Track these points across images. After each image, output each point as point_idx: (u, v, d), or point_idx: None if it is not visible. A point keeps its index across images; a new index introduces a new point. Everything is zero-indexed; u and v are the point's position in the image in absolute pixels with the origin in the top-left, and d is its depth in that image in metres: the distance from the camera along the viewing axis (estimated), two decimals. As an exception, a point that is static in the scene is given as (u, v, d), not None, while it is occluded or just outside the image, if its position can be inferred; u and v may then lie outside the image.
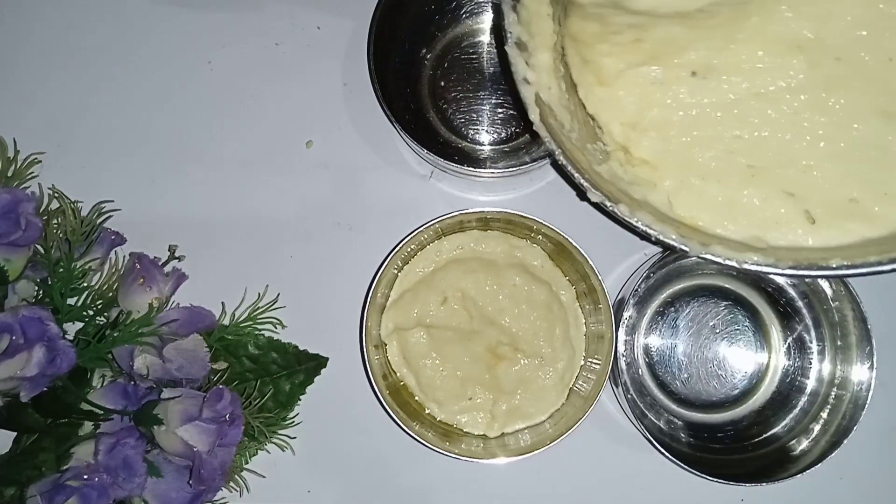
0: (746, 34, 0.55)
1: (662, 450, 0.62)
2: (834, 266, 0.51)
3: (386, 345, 0.67)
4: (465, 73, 0.72)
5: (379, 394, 0.61)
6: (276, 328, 0.68)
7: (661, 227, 0.52)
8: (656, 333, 0.69)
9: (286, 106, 0.72)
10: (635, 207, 0.53)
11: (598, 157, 0.56)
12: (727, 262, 0.52)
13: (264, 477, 0.65)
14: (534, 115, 0.54)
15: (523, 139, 0.71)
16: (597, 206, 0.53)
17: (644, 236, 0.53)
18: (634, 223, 0.52)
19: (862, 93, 0.54)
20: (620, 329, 0.63)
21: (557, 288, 0.67)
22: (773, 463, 0.65)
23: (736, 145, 0.56)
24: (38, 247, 0.62)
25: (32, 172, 0.67)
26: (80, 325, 0.63)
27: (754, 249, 0.53)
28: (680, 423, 0.68)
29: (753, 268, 0.52)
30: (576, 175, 0.53)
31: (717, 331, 0.69)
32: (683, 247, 0.52)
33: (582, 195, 0.54)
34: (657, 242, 0.53)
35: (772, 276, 0.69)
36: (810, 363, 0.68)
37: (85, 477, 0.55)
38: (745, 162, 0.56)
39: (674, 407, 0.69)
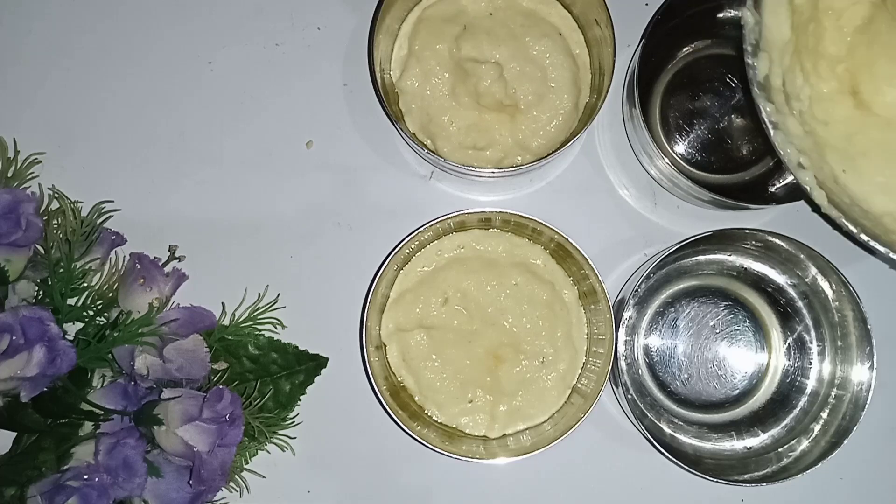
0: None
1: (663, 450, 0.62)
2: None
3: (386, 345, 0.67)
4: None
5: (379, 395, 0.61)
6: (276, 328, 0.68)
7: None
8: (656, 334, 0.69)
9: (286, 106, 0.72)
10: None
11: None
12: None
13: (264, 477, 0.65)
14: (821, 199, 0.51)
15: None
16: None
17: None
18: None
19: None
20: (620, 329, 0.63)
21: (560, 287, 0.67)
22: (773, 463, 0.65)
23: None
24: (38, 247, 0.62)
25: (32, 172, 0.67)
26: (80, 325, 0.62)
27: None
28: (680, 423, 0.68)
29: None
30: (880, 248, 0.51)
31: (717, 331, 0.69)
32: None
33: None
34: None
35: (771, 277, 0.69)
36: (810, 363, 0.68)
37: (85, 477, 0.55)
38: None
39: (674, 407, 0.69)
